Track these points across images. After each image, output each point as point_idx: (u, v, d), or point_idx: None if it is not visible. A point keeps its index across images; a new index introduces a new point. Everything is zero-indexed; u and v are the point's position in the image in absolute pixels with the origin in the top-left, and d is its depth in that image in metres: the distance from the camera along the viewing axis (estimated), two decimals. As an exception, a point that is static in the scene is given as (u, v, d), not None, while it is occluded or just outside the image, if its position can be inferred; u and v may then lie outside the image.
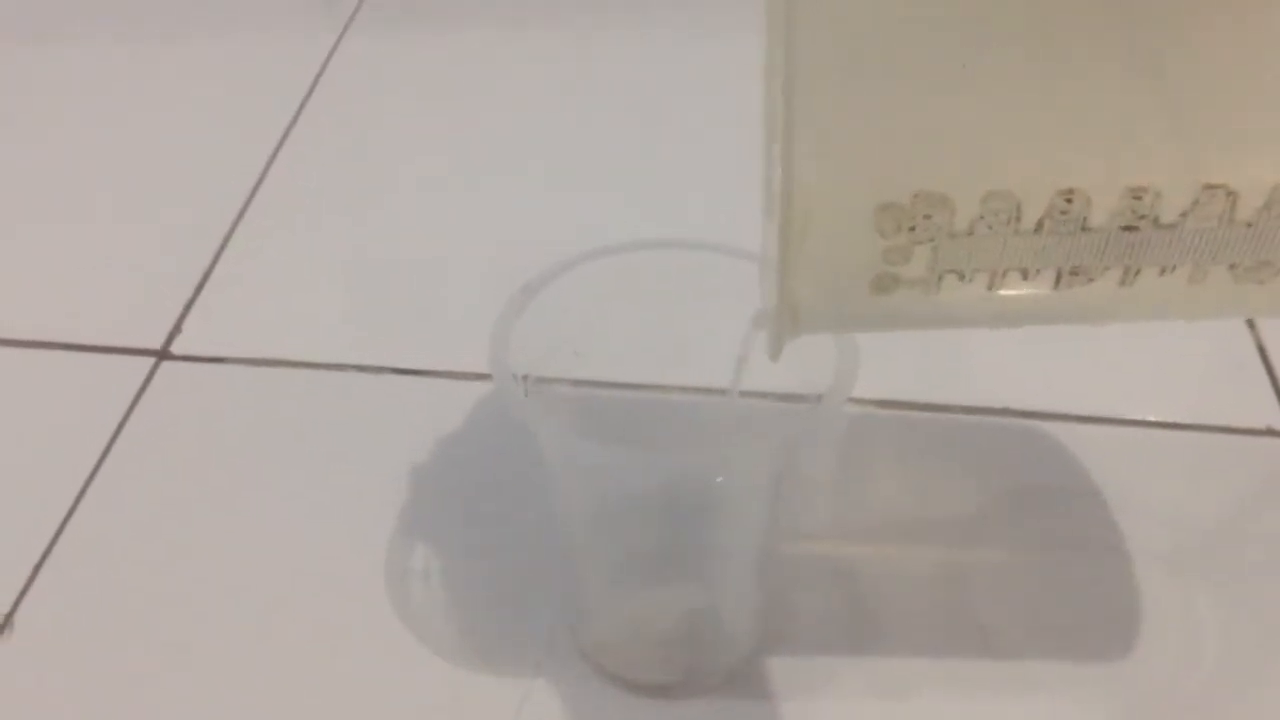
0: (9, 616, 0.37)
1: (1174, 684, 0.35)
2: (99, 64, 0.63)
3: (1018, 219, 0.24)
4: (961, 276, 0.25)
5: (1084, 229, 0.24)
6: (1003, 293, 0.26)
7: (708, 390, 0.36)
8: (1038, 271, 0.25)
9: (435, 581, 0.38)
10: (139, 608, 0.38)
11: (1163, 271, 0.25)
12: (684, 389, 0.37)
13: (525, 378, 0.32)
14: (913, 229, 0.24)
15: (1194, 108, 0.24)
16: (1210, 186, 0.24)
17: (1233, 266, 0.25)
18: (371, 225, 0.52)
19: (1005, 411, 0.44)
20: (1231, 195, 0.24)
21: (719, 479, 0.32)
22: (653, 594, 0.36)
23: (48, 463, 0.42)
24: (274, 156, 0.56)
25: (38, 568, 0.39)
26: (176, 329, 0.47)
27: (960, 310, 0.26)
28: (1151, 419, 0.43)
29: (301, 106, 0.59)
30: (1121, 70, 0.23)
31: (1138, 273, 0.25)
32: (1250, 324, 0.47)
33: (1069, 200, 0.24)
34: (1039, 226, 0.24)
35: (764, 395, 0.34)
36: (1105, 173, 0.24)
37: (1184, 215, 0.24)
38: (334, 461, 0.42)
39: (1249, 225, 0.24)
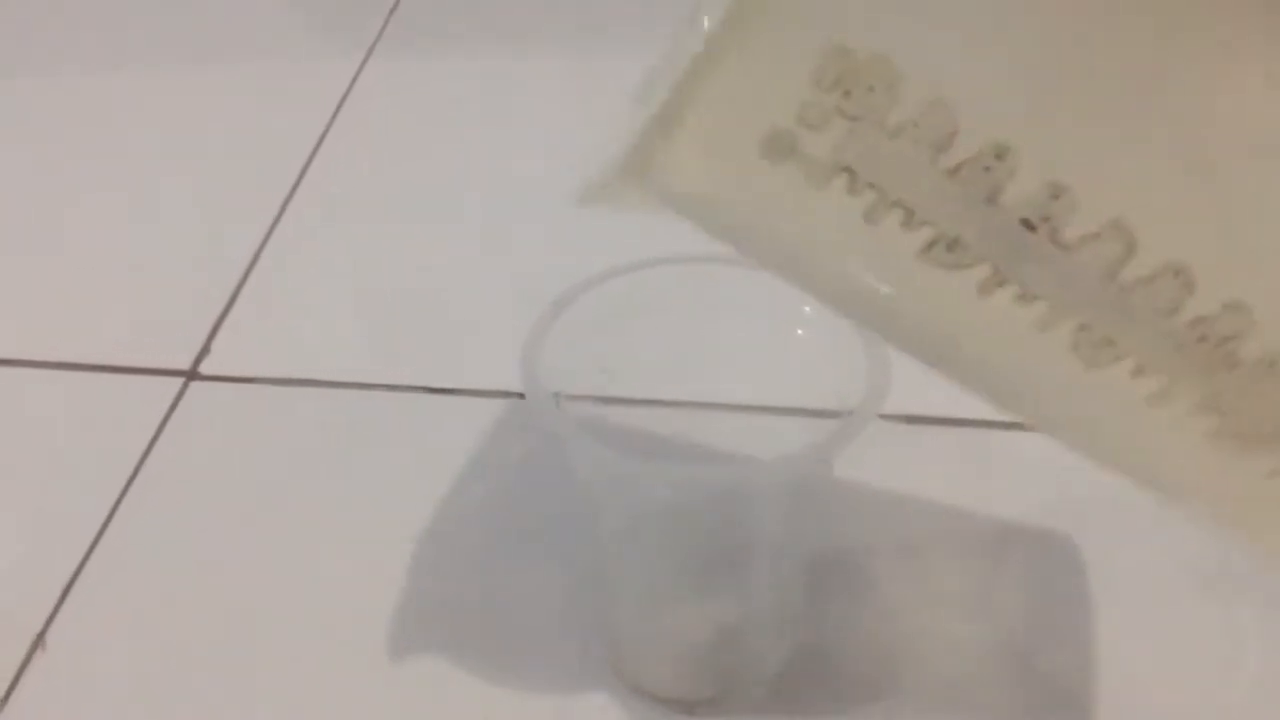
0: (41, 635, 0.37)
1: (1215, 695, 0.35)
2: (126, 88, 0.63)
3: (944, 149, 0.21)
4: (852, 182, 0.22)
5: (989, 201, 0.22)
6: (873, 230, 0.22)
7: (736, 406, 0.36)
8: (921, 223, 0.22)
9: (466, 601, 0.38)
10: (169, 626, 0.38)
11: (1021, 297, 0.23)
12: (712, 405, 0.37)
13: (556, 395, 0.32)
14: (848, 93, 0.21)
15: (1167, 155, 0.22)
16: (1118, 226, 0.22)
17: (1082, 327, 0.23)
18: (398, 245, 0.53)
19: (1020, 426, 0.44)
20: (1131, 246, 0.22)
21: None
22: (683, 610, 0.36)
23: (79, 482, 0.42)
24: (300, 177, 0.56)
25: (68, 587, 0.39)
26: (205, 350, 0.47)
27: (821, 241, 0.23)
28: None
29: (327, 128, 0.59)
30: (1144, 98, 0.21)
31: (1000, 285, 0.23)
32: None
33: (998, 158, 0.21)
34: (956, 170, 0.22)
35: (794, 411, 0.34)
36: (1044, 152, 0.22)
37: (1081, 242, 0.22)
38: (363, 480, 0.42)
39: (1123, 290, 0.22)
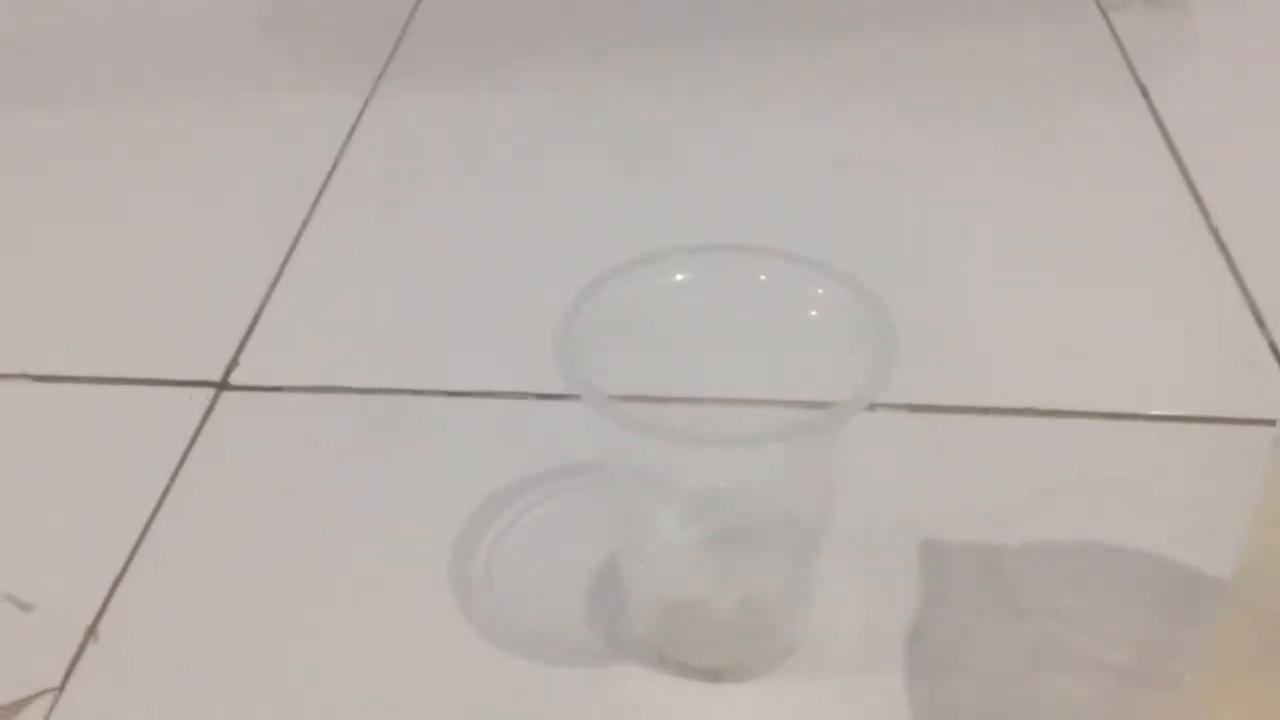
0: (93, 627, 0.39)
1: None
2: (145, 120, 0.66)
3: None
4: None
5: None
6: None
7: (761, 401, 0.38)
8: None
9: (499, 585, 0.40)
10: (212, 620, 0.40)
11: None
12: (733, 400, 0.39)
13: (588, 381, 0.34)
14: None
15: None
16: None
17: None
18: (417, 255, 0.55)
19: (1028, 411, 0.46)
20: None
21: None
22: (708, 583, 0.37)
23: (118, 491, 0.44)
24: (321, 191, 0.59)
25: (116, 583, 0.41)
26: (234, 362, 0.49)
27: None
28: (1172, 413, 0.46)
29: (345, 143, 0.62)
30: None
31: None
32: (1260, 321, 0.50)
33: None
34: None
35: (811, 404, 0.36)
36: None
37: None
38: (392, 479, 0.44)
39: None
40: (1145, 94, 0.65)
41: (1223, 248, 0.54)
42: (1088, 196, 0.58)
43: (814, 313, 0.35)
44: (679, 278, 0.36)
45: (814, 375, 0.34)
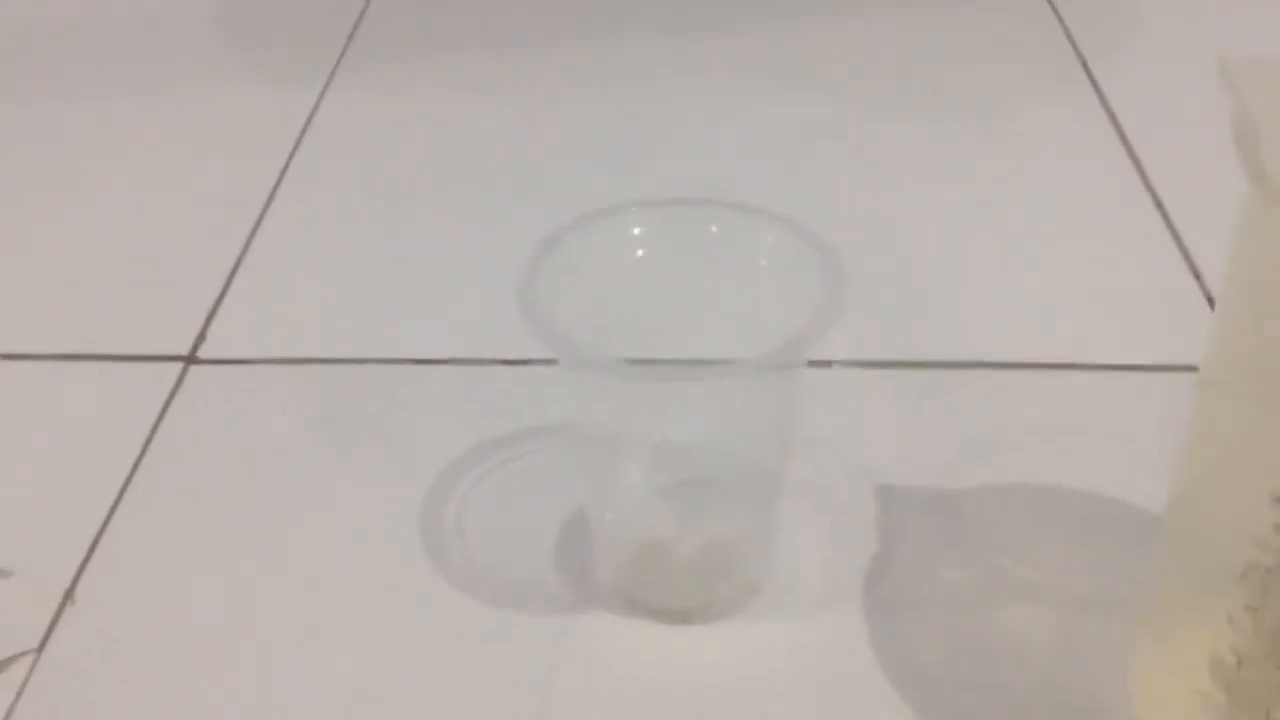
0: (69, 592, 0.40)
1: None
2: (104, 111, 0.66)
3: None
4: None
5: None
6: None
7: (712, 343, 0.39)
8: None
9: (469, 537, 0.41)
10: (186, 587, 0.40)
11: None
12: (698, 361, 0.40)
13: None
14: None
15: None
16: None
17: None
18: (381, 232, 0.56)
19: (979, 364, 0.48)
20: None
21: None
22: (671, 527, 0.39)
23: (91, 462, 0.44)
24: (288, 163, 0.60)
25: (90, 551, 0.41)
26: (202, 336, 0.50)
27: None
28: (1115, 362, 0.48)
29: (307, 125, 0.63)
30: None
31: None
32: (1195, 274, 0.52)
33: None
34: None
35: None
36: None
37: None
38: (362, 445, 0.45)
39: None
40: (1086, 66, 0.67)
41: (1159, 206, 0.56)
42: (1034, 166, 0.60)
43: (764, 261, 0.36)
44: (636, 231, 0.37)
45: (762, 320, 0.35)
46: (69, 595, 0.40)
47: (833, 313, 0.33)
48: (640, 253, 0.37)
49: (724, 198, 0.38)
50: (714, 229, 0.37)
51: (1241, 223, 0.28)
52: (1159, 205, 0.56)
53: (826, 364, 0.48)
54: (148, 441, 0.45)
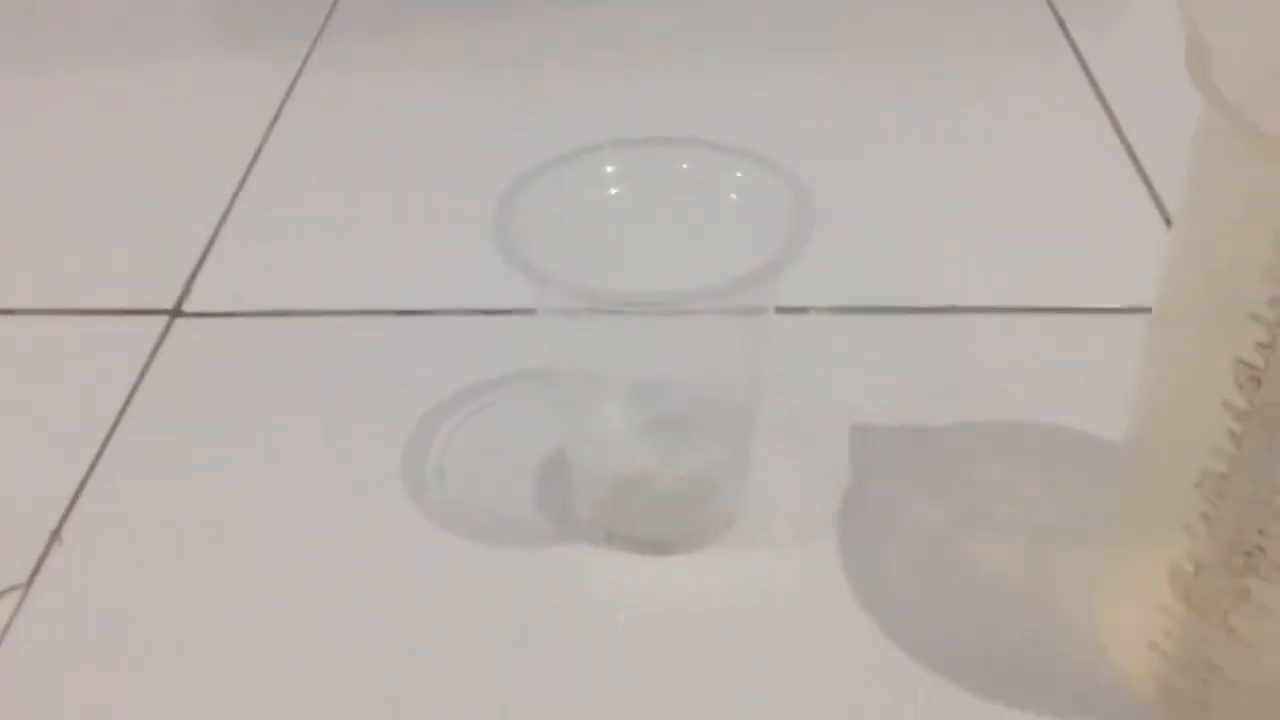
0: (56, 532, 0.40)
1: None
2: (86, 80, 0.67)
3: None
4: None
5: None
6: None
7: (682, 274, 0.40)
8: None
9: (451, 480, 0.42)
10: (171, 529, 0.41)
11: None
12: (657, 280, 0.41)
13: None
14: None
15: None
16: None
17: None
18: (367, 185, 0.57)
19: (954, 309, 0.49)
20: None
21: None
22: (648, 460, 0.39)
23: (77, 412, 0.45)
24: (272, 125, 0.61)
25: (77, 493, 0.42)
26: (186, 290, 0.51)
27: None
28: (1085, 306, 0.48)
29: (293, 83, 0.64)
30: None
31: None
32: (1169, 224, 0.52)
33: None
34: None
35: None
36: None
37: None
38: (345, 394, 0.46)
39: None
40: (1065, 29, 0.68)
41: (1133, 157, 0.57)
42: (1013, 127, 0.61)
43: (733, 195, 0.37)
44: (609, 169, 0.38)
45: (732, 252, 0.36)
46: (55, 536, 0.40)
47: (804, 238, 0.34)
48: (614, 190, 0.38)
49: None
50: (685, 166, 0.38)
51: (1192, 150, 0.29)
52: (1134, 159, 0.57)
53: (804, 310, 0.48)
54: (133, 390, 0.46)
